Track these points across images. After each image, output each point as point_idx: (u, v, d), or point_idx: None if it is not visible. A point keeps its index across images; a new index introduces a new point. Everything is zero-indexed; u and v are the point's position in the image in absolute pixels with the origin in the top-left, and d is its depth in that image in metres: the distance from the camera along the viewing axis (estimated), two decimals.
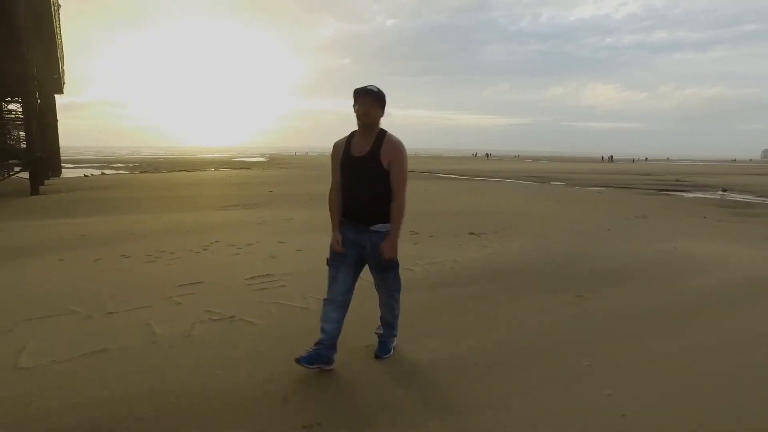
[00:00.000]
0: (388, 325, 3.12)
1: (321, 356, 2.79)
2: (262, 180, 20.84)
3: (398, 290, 3.04)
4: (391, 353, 3.09)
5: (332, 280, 2.88)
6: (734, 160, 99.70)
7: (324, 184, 15.20)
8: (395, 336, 3.17)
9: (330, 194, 2.93)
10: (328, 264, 2.92)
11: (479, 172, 30.44)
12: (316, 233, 7.51)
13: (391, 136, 2.77)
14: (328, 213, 2.94)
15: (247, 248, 6.36)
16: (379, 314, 3.13)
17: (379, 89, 2.73)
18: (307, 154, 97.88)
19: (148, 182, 20.40)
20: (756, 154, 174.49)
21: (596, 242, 7.04)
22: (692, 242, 7.15)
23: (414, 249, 6.39)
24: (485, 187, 19.42)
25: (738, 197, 17.44)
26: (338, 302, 2.85)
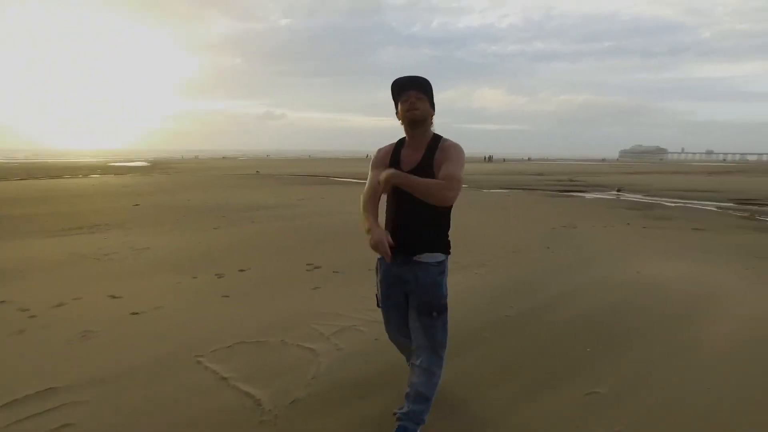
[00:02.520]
0: (420, 399, 2.21)
1: None
2: (131, 189, 17.49)
3: (444, 347, 2.27)
4: None
5: (386, 320, 2.46)
6: (604, 160, 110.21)
7: (208, 190, 12.40)
8: (423, 421, 2.24)
9: (364, 195, 2.30)
10: (378, 305, 2.46)
11: None
12: (177, 274, 5.29)
13: (447, 140, 2.23)
14: (363, 212, 2.26)
15: (48, 315, 4.00)
16: (408, 386, 2.27)
17: (423, 77, 2.19)
18: (196, 157, 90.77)
19: None
20: (614, 154, 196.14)
21: (546, 270, 5.64)
22: (648, 263, 6.05)
23: (314, 299, 4.48)
24: None
25: (633, 197, 17.71)
26: (402, 342, 2.46)
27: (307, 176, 27.54)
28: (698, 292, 4.79)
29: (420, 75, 2.20)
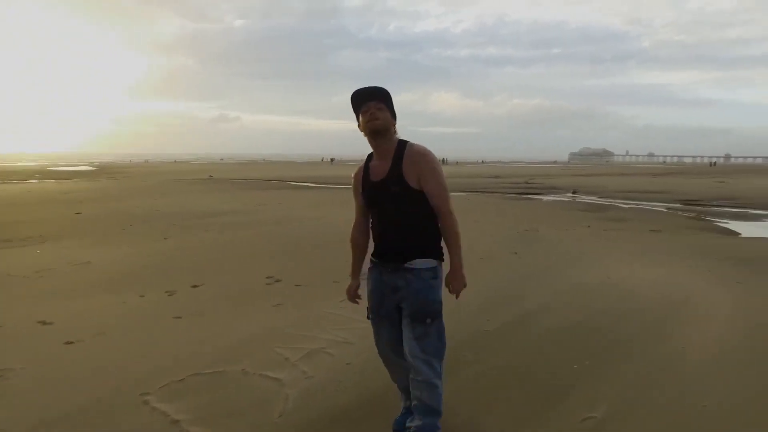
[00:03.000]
0: (430, 412, 2.13)
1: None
2: (73, 196, 16.36)
3: (441, 356, 2.17)
4: None
5: (376, 336, 2.34)
6: (555, 162, 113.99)
7: (158, 196, 11.63)
8: (438, 428, 2.17)
9: (352, 233, 2.36)
10: (368, 317, 2.34)
11: (332, 179, 28.72)
12: (122, 293, 4.78)
13: (413, 145, 2.18)
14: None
15: None
16: (408, 401, 2.29)
17: (380, 86, 2.17)
18: (147, 161, 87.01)
19: None
20: (564, 156, 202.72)
21: (519, 277, 5.48)
22: (617, 267, 6.00)
23: (276, 318, 4.10)
24: (346, 196, 17.51)
25: (588, 199, 18.13)
26: (392, 359, 2.33)
27: (263, 181, 26.81)
28: (672, 296, 4.74)
29: (379, 83, 2.25)
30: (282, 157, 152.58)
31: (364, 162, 2.30)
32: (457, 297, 2.21)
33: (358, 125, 2.21)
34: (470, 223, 9.98)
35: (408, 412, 2.34)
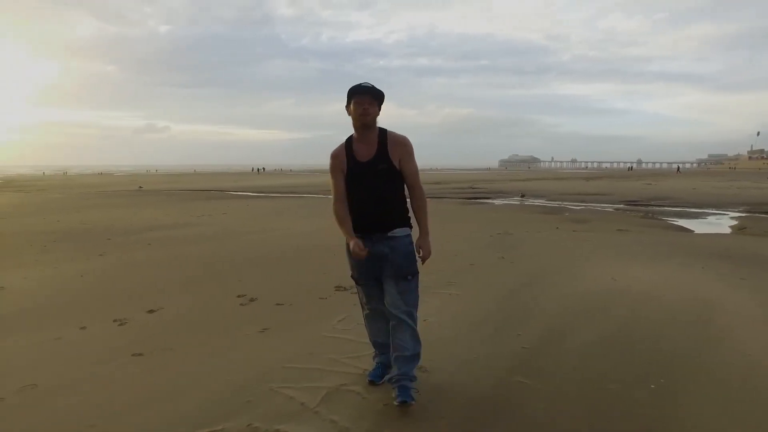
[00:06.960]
0: (414, 358, 2.51)
1: (385, 366, 2.71)
2: None
3: (417, 307, 2.60)
4: (414, 401, 2.43)
5: (368, 296, 2.71)
6: (489, 168, 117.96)
7: (83, 210, 10.05)
8: (416, 378, 2.51)
9: (335, 206, 2.60)
10: (354, 281, 2.74)
11: (271, 188, 27.53)
12: (53, 326, 3.75)
13: (393, 132, 2.59)
14: (339, 226, 2.57)
15: None
16: (383, 355, 2.73)
17: (374, 86, 2.53)
18: (65, 173, 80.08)
19: None
20: (494, 163, 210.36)
21: (521, 284, 4.98)
22: (612, 269, 5.67)
23: (268, 348, 3.29)
24: (294, 205, 16.62)
25: (537, 202, 18.32)
26: (380, 312, 2.66)
27: (199, 191, 25.09)
28: (691, 297, 4.43)
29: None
30: (211, 168, 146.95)
31: (343, 145, 2.59)
32: (423, 263, 2.52)
33: (347, 108, 2.53)
34: (440, 228, 9.45)
35: (380, 366, 2.71)
